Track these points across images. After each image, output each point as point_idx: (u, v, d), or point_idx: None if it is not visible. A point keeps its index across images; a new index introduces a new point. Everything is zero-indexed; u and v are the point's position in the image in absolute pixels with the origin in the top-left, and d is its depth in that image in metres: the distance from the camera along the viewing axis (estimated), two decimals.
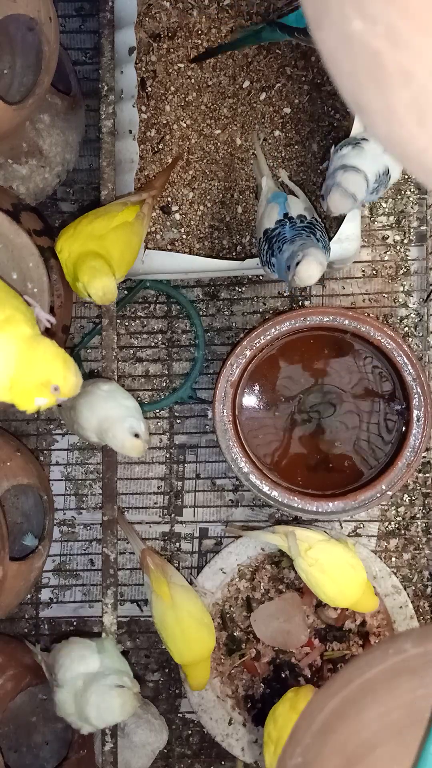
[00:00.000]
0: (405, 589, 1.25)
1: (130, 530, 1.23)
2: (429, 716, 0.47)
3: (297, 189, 1.13)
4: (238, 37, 1.18)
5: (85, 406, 1.04)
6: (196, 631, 1.14)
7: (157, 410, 1.31)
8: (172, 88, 1.21)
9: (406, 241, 1.29)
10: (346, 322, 1.16)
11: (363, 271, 1.29)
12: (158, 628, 1.16)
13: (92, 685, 1.05)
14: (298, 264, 0.94)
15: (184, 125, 1.22)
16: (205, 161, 1.22)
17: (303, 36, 1.05)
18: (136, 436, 1.01)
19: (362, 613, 1.25)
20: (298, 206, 1.06)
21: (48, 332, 0.93)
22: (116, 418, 1.02)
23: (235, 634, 1.27)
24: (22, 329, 0.83)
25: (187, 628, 1.14)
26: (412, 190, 1.28)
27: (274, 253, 1.01)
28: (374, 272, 1.29)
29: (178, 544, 1.31)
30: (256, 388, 1.23)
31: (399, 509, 1.30)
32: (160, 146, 1.21)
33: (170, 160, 1.20)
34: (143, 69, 1.21)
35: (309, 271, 0.94)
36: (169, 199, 1.22)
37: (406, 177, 1.26)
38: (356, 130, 1.09)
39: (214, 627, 1.20)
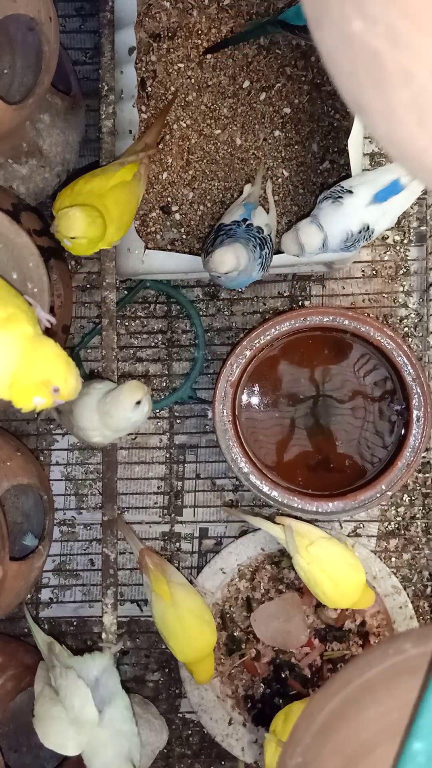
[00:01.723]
0: (405, 589, 1.25)
1: (127, 530, 1.23)
2: (411, 711, 0.47)
3: (273, 207, 1.16)
4: (247, 29, 1.18)
5: (84, 407, 1.04)
6: (198, 628, 1.14)
7: (157, 410, 1.31)
8: (172, 88, 1.21)
9: (405, 241, 1.29)
10: (346, 322, 1.16)
11: (363, 271, 1.29)
12: (159, 628, 1.16)
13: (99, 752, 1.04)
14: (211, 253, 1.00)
15: (184, 125, 1.21)
16: (205, 161, 1.22)
17: (303, 33, 1.05)
18: (138, 403, 1.00)
19: (362, 614, 1.26)
20: (261, 218, 1.09)
21: (48, 332, 0.93)
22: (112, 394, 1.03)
23: (235, 634, 1.27)
24: (24, 327, 0.83)
25: (189, 627, 1.13)
26: None
27: (214, 245, 1.03)
28: (374, 272, 1.29)
29: (178, 544, 1.31)
30: (256, 388, 1.23)
31: (399, 509, 1.30)
32: (160, 146, 1.21)
33: (171, 155, 1.20)
34: (143, 69, 1.21)
35: (218, 257, 0.99)
36: (169, 199, 1.22)
37: None
38: (354, 166, 1.11)
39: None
